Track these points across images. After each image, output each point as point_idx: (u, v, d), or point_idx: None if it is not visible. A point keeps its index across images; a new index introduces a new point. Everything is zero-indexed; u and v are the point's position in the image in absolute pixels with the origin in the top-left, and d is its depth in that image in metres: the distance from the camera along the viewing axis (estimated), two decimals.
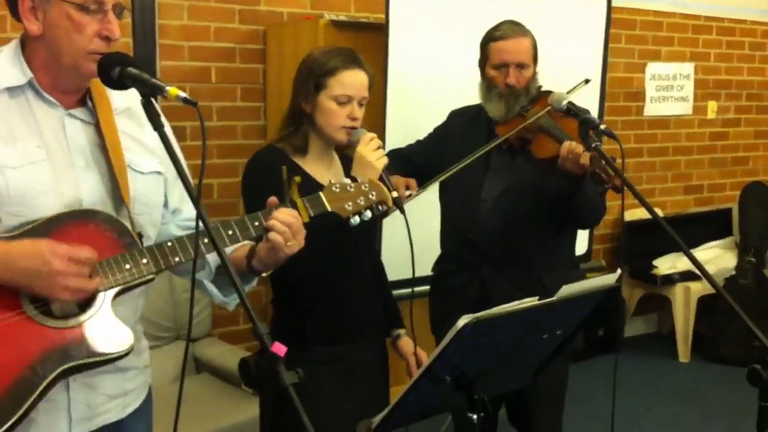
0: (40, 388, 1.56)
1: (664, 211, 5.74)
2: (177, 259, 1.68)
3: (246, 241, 1.82)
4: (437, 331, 2.91)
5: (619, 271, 1.80)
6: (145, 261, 1.66)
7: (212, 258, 1.86)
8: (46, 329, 1.59)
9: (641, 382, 4.87)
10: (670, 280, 5.32)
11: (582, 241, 4.24)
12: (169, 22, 3.89)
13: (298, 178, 1.84)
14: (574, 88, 2.74)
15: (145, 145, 1.81)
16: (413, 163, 2.87)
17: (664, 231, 1.86)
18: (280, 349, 1.39)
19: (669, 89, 5.76)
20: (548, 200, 2.66)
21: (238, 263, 1.83)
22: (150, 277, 1.67)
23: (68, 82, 1.72)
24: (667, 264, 5.38)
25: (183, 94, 1.55)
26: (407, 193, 2.54)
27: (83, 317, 1.62)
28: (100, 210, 1.68)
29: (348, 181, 1.94)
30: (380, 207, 1.93)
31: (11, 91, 1.67)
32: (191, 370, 3.77)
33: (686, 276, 5.28)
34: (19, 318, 1.58)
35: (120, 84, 1.61)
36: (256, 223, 1.77)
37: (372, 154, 2.18)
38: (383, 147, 2.29)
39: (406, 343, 2.51)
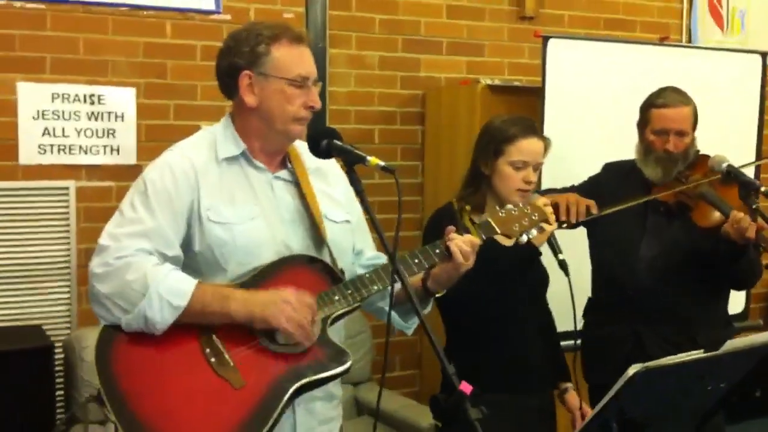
0: (281, 405, 1.83)
1: None
2: (375, 287, 1.95)
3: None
4: (590, 378, 3.00)
5: (761, 322, 1.88)
6: (349, 291, 1.94)
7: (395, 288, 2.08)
8: (279, 355, 1.87)
9: None
10: None
11: (739, 299, 4.20)
12: (338, 89, 4.24)
13: (468, 207, 2.06)
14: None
15: (335, 199, 2.10)
16: None
17: None
18: (466, 387, 1.59)
19: None
20: (704, 262, 2.74)
21: (414, 285, 2.04)
22: (356, 305, 1.94)
23: (276, 145, 2.03)
24: None
25: (382, 163, 1.81)
26: (593, 212, 2.69)
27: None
28: (307, 254, 1.97)
29: (511, 206, 2.14)
30: (542, 226, 2.15)
31: (228, 160, 1.98)
32: (353, 412, 3.99)
33: None
34: (256, 348, 1.87)
35: (326, 153, 1.89)
36: (437, 251, 2.01)
37: None
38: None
39: (572, 398, 2.63)
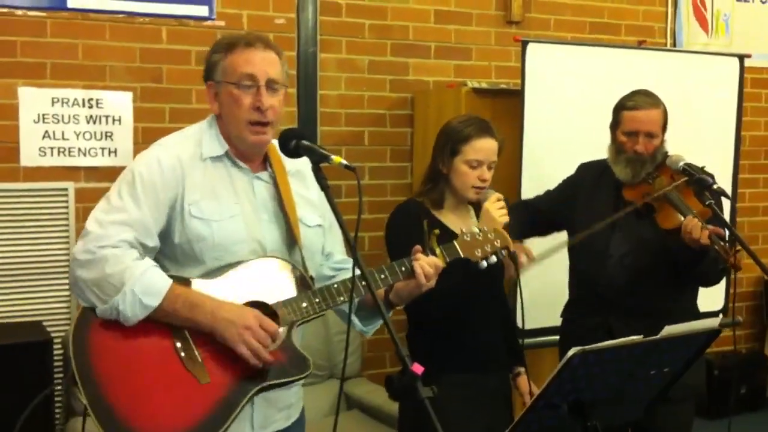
0: (242, 404, 1.94)
1: None
2: (342, 299, 2.04)
3: None
4: None
5: (721, 316, 1.99)
6: (317, 300, 2.03)
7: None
8: None
9: None
10: None
11: (718, 296, 4.29)
12: (328, 93, 4.38)
13: (436, 231, 2.18)
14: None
15: (311, 201, 2.20)
16: (537, 210, 3.17)
17: None
18: (418, 368, 1.71)
19: None
20: (671, 259, 2.85)
21: (378, 295, 2.12)
22: (321, 313, 2.03)
23: (243, 149, 2.11)
24: None
25: (344, 162, 1.93)
26: (524, 260, 2.73)
27: (272, 347, 1.98)
28: (281, 257, 2.07)
29: (476, 230, 2.27)
30: (503, 252, 2.27)
31: (213, 159, 2.09)
32: (342, 407, 4.12)
33: None
34: (224, 347, 1.95)
35: (295, 153, 2.00)
36: (403, 269, 2.11)
37: (496, 212, 2.53)
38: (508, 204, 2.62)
39: (524, 381, 2.80)
